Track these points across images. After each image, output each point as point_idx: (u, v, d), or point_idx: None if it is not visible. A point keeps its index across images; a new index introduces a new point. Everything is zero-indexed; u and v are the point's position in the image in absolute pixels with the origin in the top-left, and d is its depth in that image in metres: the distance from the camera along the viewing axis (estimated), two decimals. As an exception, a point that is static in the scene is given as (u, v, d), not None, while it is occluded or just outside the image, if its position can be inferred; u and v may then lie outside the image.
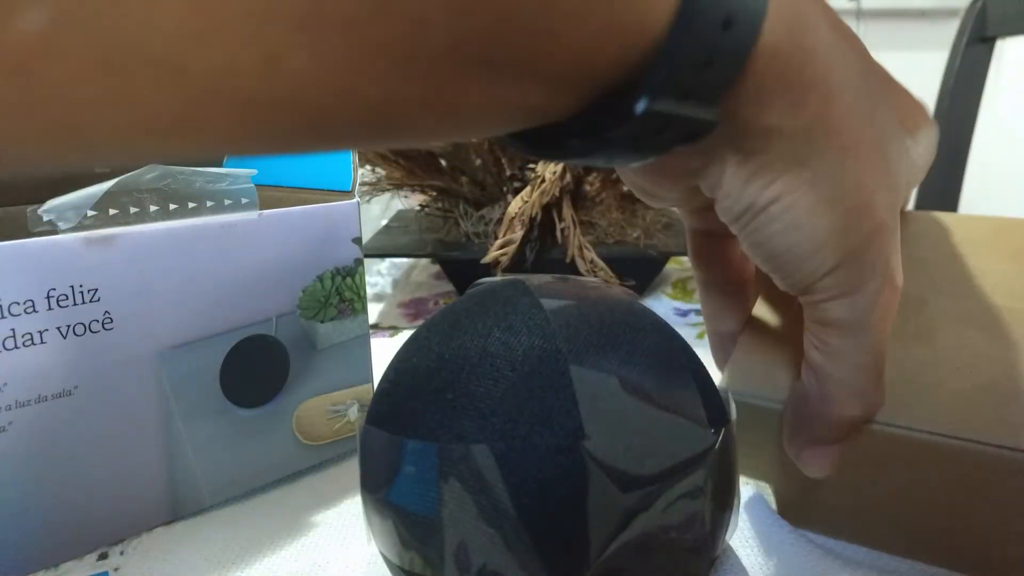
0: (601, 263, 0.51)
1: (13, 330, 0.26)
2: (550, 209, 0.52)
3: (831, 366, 0.23)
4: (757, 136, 0.19)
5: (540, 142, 0.18)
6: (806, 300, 0.22)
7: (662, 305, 0.63)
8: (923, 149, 0.24)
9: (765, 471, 0.29)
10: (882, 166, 0.20)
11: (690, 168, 0.21)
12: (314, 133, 0.14)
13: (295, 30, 0.12)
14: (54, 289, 0.26)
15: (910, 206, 0.30)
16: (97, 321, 0.28)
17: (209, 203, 0.31)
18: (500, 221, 0.52)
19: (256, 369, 0.33)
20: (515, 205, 0.50)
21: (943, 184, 1.05)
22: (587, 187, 0.58)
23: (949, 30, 1.06)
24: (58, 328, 0.27)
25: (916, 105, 0.25)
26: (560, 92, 0.16)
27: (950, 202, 1.07)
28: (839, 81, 0.19)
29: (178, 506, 0.31)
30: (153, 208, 0.29)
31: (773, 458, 0.27)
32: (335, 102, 0.13)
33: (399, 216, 0.75)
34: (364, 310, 0.37)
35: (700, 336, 0.55)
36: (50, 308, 0.26)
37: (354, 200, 0.35)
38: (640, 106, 0.16)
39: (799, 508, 0.29)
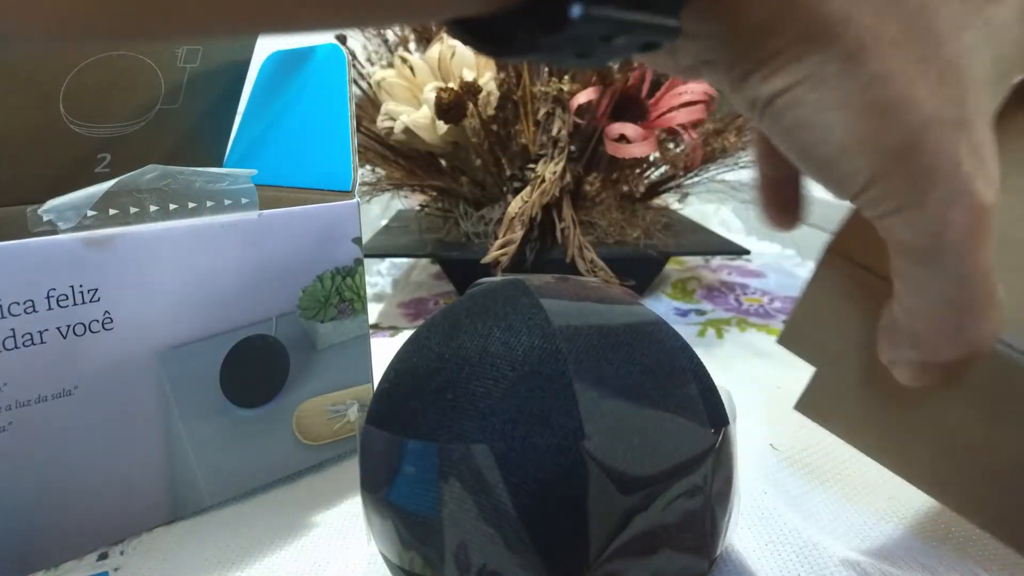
0: (601, 263, 0.51)
1: (13, 330, 0.26)
2: (550, 209, 0.52)
3: (912, 299, 0.19)
4: (742, 33, 0.16)
5: (485, 35, 0.16)
6: (865, 215, 0.18)
7: (662, 305, 0.63)
8: (1016, 10, 0.18)
9: (820, 343, 0.24)
10: (927, 46, 0.16)
11: (680, 66, 0.18)
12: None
13: None
14: (54, 289, 0.26)
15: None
16: (97, 321, 0.28)
17: (209, 203, 0.31)
18: (500, 221, 0.52)
19: (256, 369, 0.33)
20: (515, 205, 0.50)
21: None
22: (587, 187, 0.58)
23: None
24: (58, 328, 0.27)
25: None
26: None
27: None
28: None
29: (178, 506, 0.31)
30: (153, 208, 0.29)
31: (844, 334, 0.23)
32: None
33: (399, 216, 0.75)
34: (364, 310, 0.37)
35: (700, 335, 0.55)
36: (50, 308, 0.26)
37: (354, 200, 0.35)
38: (575, 10, 0.14)
39: (837, 402, 0.24)
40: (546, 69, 0.54)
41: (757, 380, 0.46)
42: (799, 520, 0.30)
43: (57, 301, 0.27)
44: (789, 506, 0.31)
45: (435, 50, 0.55)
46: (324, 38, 0.39)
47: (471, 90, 0.52)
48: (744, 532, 0.29)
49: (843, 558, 0.27)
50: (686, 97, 0.52)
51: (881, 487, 0.32)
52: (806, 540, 0.29)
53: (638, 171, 0.62)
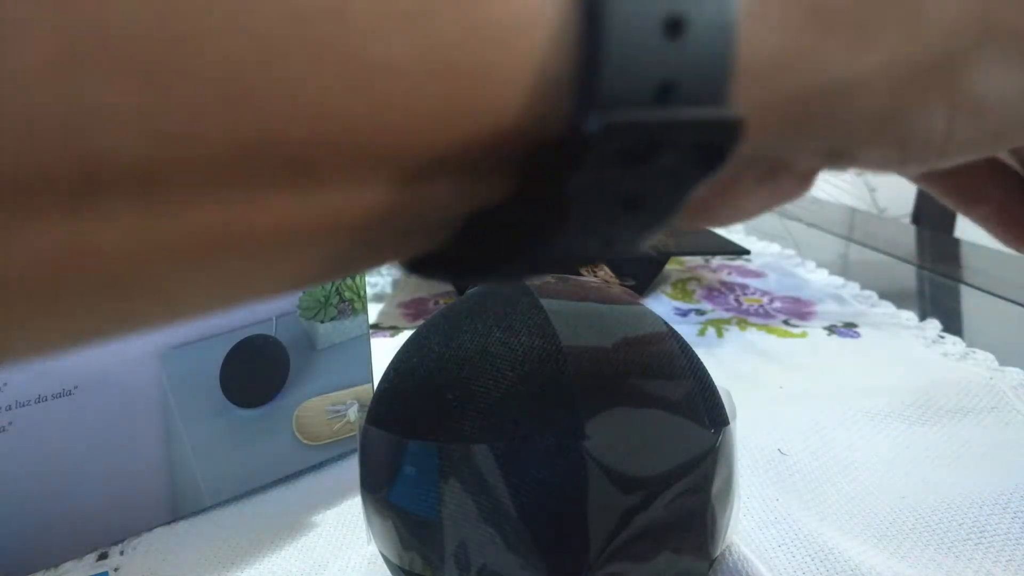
0: (601, 263, 0.51)
1: (13, 330, 0.26)
2: (550, 209, 0.52)
3: None
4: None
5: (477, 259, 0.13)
6: None
7: (662, 305, 0.63)
8: None
9: None
10: None
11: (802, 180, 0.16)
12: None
13: None
14: (54, 289, 0.26)
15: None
16: (97, 321, 0.28)
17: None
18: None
19: (256, 369, 0.33)
20: (515, 205, 0.50)
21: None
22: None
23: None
24: (58, 328, 0.27)
25: None
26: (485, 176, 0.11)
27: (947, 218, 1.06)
28: None
29: (178, 506, 0.31)
30: (153, 208, 0.29)
31: None
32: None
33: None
34: (364, 310, 0.37)
35: (701, 334, 0.55)
36: (50, 308, 0.26)
37: (354, 200, 0.35)
38: (593, 123, 0.10)
39: None
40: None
41: (757, 380, 0.46)
42: (812, 522, 0.30)
43: (57, 301, 0.27)
44: (801, 509, 0.31)
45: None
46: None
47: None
48: (757, 534, 0.29)
49: (857, 559, 0.27)
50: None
51: (894, 487, 0.32)
52: (820, 542, 0.28)
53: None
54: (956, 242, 0.89)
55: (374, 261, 0.13)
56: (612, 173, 0.11)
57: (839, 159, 0.15)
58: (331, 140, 0.09)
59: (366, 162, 0.10)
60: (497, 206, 0.12)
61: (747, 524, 0.30)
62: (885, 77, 0.13)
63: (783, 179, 0.15)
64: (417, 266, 0.13)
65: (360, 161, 0.10)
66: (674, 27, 0.10)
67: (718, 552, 0.24)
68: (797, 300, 0.65)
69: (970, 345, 0.50)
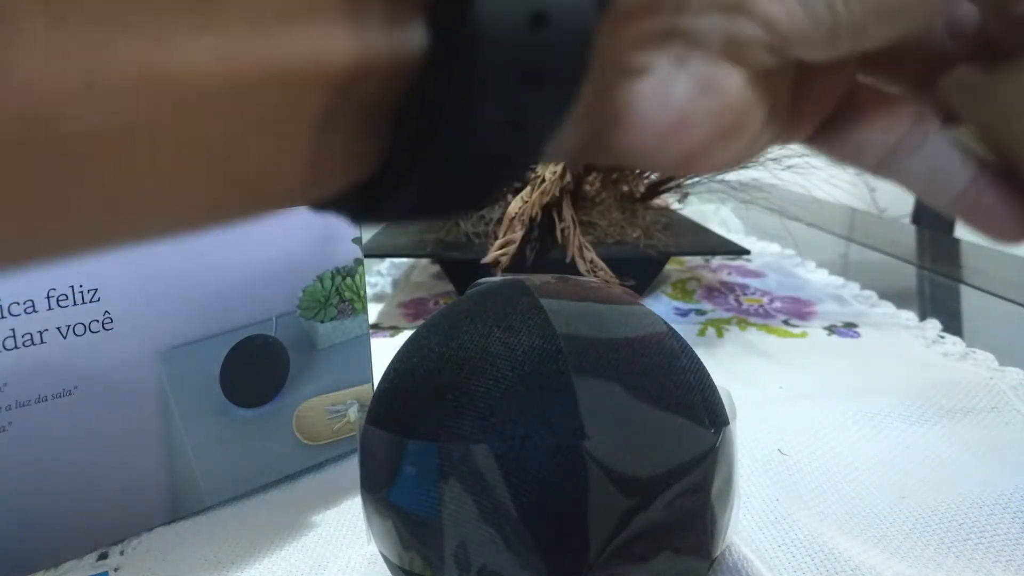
0: (601, 263, 0.51)
1: (13, 330, 0.26)
2: (550, 209, 0.52)
3: None
4: None
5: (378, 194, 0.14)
6: None
7: (662, 305, 0.63)
8: None
9: None
10: None
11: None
12: None
13: None
14: (54, 289, 0.26)
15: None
16: (97, 321, 0.28)
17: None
18: (500, 221, 0.52)
19: (256, 369, 0.33)
20: (515, 205, 0.50)
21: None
22: (587, 187, 0.58)
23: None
24: (58, 328, 0.27)
25: None
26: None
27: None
28: None
29: (178, 506, 0.31)
30: (153, 208, 0.29)
31: None
32: None
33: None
34: (364, 310, 0.37)
35: (701, 334, 0.55)
36: (50, 308, 0.26)
37: (354, 200, 0.35)
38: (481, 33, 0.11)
39: None
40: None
41: (757, 380, 0.46)
42: (812, 522, 0.30)
43: (57, 301, 0.27)
44: (801, 509, 0.31)
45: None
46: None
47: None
48: (756, 535, 0.29)
49: (858, 559, 0.27)
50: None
51: (893, 487, 0.32)
52: (820, 542, 0.28)
53: (638, 171, 0.62)
54: (956, 242, 0.89)
55: (330, 162, 0.13)
56: (497, 93, 0.12)
57: (732, 11, 0.14)
58: None
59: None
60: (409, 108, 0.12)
61: (747, 524, 0.30)
62: None
63: (697, 57, 0.15)
64: (361, 206, 0.14)
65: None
66: None
67: (718, 552, 0.24)
68: (797, 300, 0.65)
69: (970, 345, 0.50)
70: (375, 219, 0.14)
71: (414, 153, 0.13)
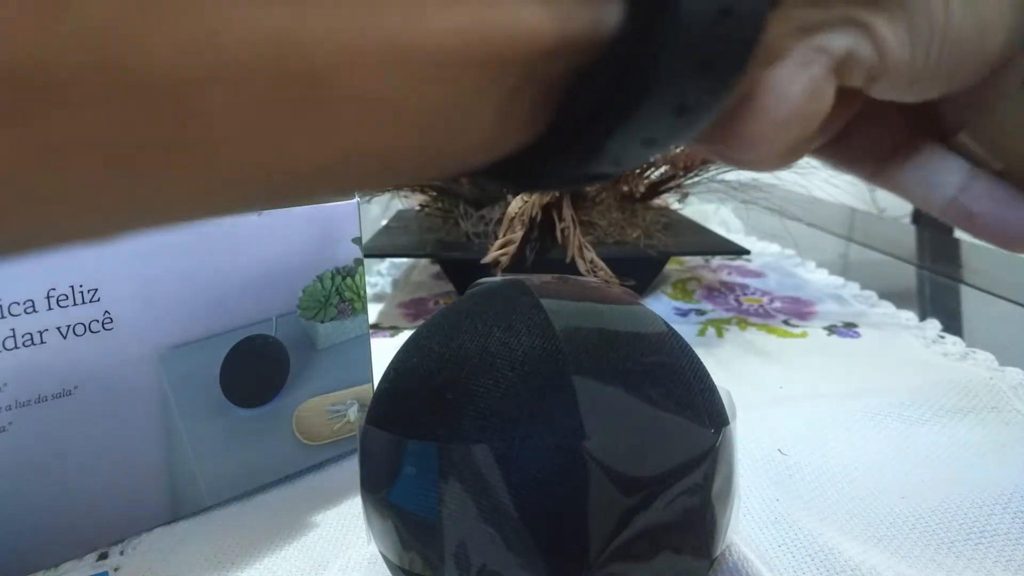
0: (601, 263, 0.51)
1: (13, 330, 0.26)
2: (550, 209, 0.52)
3: None
4: None
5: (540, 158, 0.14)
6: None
7: (662, 305, 0.63)
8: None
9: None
10: None
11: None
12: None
13: None
14: (54, 289, 0.26)
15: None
16: (97, 321, 0.28)
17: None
18: (500, 221, 0.52)
19: (256, 369, 0.33)
20: (515, 205, 0.50)
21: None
22: (587, 187, 0.58)
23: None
24: (58, 328, 0.27)
25: None
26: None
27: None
28: None
29: (178, 506, 0.31)
30: (153, 208, 0.29)
31: None
32: None
33: (399, 216, 0.75)
34: (364, 310, 0.37)
35: (701, 334, 0.55)
36: (50, 308, 0.26)
37: (354, 200, 0.35)
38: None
39: None
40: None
41: (757, 380, 0.46)
42: (812, 522, 0.30)
43: (57, 301, 0.27)
44: (801, 509, 0.31)
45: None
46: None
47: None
48: (756, 534, 0.29)
49: (858, 559, 0.27)
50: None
51: (894, 487, 0.32)
52: (820, 542, 0.28)
53: (638, 171, 0.62)
54: (956, 242, 0.89)
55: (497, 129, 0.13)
56: (676, 77, 0.13)
57: (860, 28, 0.15)
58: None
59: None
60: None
61: (747, 524, 0.30)
62: None
63: (818, 62, 0.16)
64: (504, 171, 0.15)
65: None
66: None
67: (718, 552, 0.24)
68: (797, 300, 0.65)
69: (970, 345, 0.50)
70: (531, 186, 0.15)
71: (581, 125, 0.13)
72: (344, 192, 0.13)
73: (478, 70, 0.12)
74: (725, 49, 0.13)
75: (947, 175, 0.19)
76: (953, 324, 0.56)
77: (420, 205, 0.69)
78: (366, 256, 0.45)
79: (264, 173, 0.11)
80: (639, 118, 0.13)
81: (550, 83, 0.13)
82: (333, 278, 0.35)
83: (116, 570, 0.28)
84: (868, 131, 0.20)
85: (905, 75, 0.16)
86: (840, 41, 0.16)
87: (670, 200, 0.70)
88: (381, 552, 0.24)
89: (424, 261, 0.77)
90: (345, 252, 0.35)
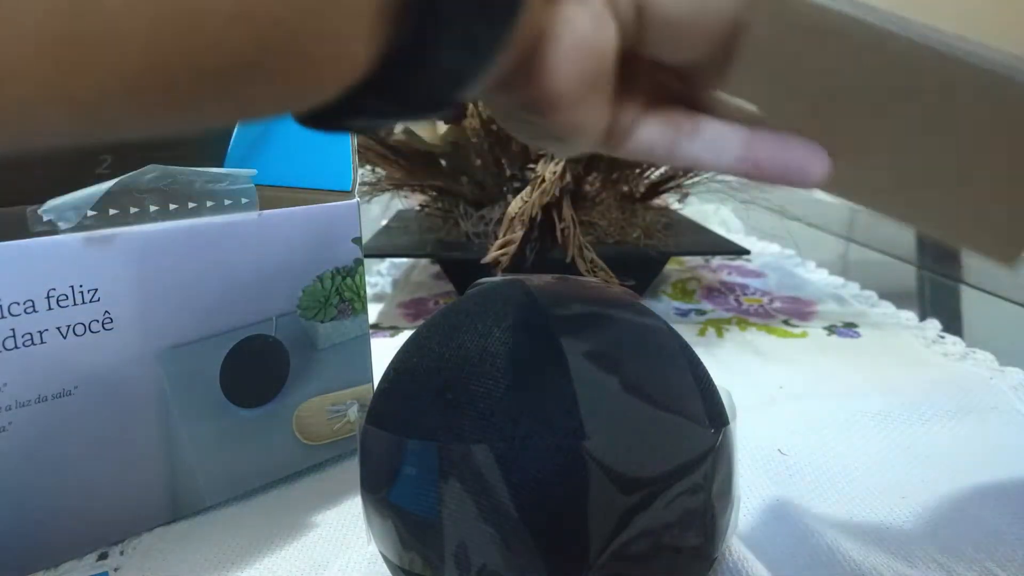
0: (601, 263, 0.51)
1: (13, 330, 0.26)
2: (550, 209, 0.52)
3: None
4: None
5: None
6: None
7: (662, 305, 0.63)
8: None
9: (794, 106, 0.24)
10: None
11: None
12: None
13: None
14: (54, 289, 0.26)
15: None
16: (97, 321, 0.28)
17: (209, 203, 0.31)
18: (500, 221, 0.52)
19: (256, 369, 0.33)
20: (515, 205, 0.50)
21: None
22: (587, 187, 0.58)
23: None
24: (58, 328, 0.27)
25: None
26: None
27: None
28: None
29: (178, 506, 0.31)
30: (153, 208, 0.29)
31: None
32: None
33: (399, 216, 0.75)
34: (364, 310, 0.37)
35: (701, 334, 0.55)
36: (50, 308, 0.26)
37: (354, 200, 0.35)
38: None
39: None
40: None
41: (757, 380, 0.46)
42: (813, 522, 0.30)
43: (57, 301, 0.27)
44: (802, 509, 0.31)
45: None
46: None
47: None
48: (757, 534, 0.29)
49: (858, 559, 0.27)
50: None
51: (894, 487, 0.32)
52: (821, 542, 0.28)
53: (638, 171, 0.62)
54: (956, 242, 0.89)
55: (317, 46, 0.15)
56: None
57: None
58: None
59: None
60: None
61: (747, 524, 0.30)
62: None
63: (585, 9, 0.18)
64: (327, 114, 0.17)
65: None
66: None
67: (718, 552, 0.24)
68: (797, 300, 0.65)
69: (970, 345, 0.50)
70: (359, 118, 0.17)
71: (397, 64, 0.16)
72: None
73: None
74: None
75: (729, 139, 0.22)
76: (953, 324, 0.56)
77: (420, 205, 0.69)
78: (366, 256, 0.45)
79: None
80: (439, 55, 0.16)
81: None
82: (333, 278, 0.35)
83: (116, 570, 0.28)
84: (652, 119, 0.22)
85: (663, 16, 0.19)
86: None
87: (670, 200, 0.70)
88: (381, 552, 0.24)
89: (424, 261, 0.77)
90: (345, 252, 0.35)
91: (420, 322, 0.42)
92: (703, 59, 0.21)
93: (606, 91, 0.20)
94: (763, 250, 0.84)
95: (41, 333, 0.26)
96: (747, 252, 0.59)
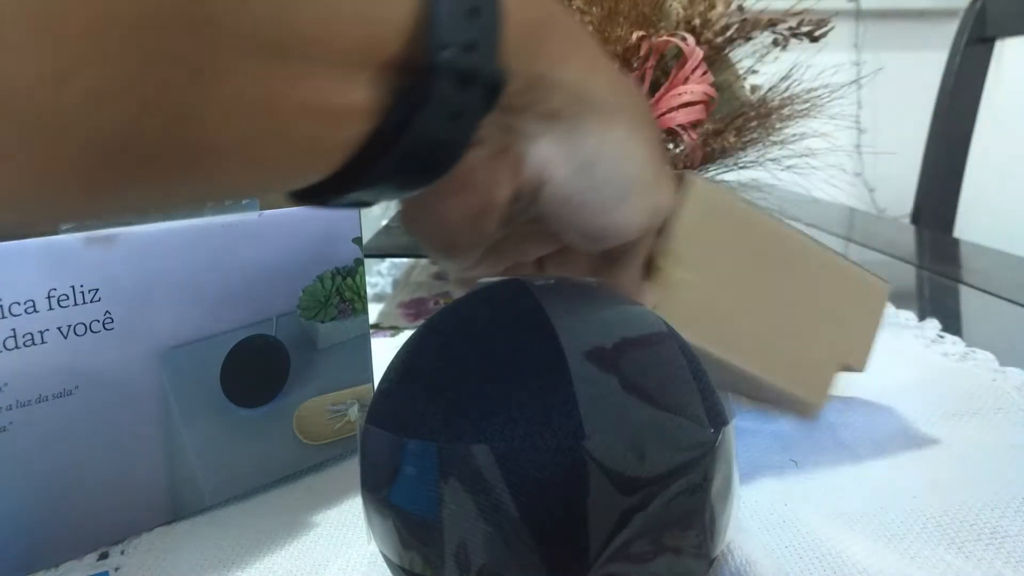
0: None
1: (14, 330, 0.26)
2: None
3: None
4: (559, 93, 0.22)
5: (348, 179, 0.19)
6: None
7: (662, 305, 0.63)
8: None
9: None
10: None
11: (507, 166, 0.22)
12: (115, 169, 0.13)
13: (83, 38, 0.11)
14: (55, 289, 0.26)
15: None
16: (97, 321, 0.28)
17: (209, 203, 0.31)
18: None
19: (256, 369, 0.33)
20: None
21: (943, 184, 1.05)
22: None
23: (949, 30, 1.06)
24: (58, 328, 0.27)
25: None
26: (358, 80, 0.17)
27: (949, 202, 1.06)
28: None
29: (178, 506, 0.31)
30: (153, 208, 0.29)
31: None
32: (134, 117, 0.12)
33: (399, 216, 0.75)
34: (364, 310, 0.37)
35: (700, 336, 0.55)
36: (51, 308, 0.26)
37: (354, 200, 0.35)
38: (441, 56, 0.17)
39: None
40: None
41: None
42: (821, 523, 0.30)
43: (58, 301, 0.27)
44: (809, 510, 0.31)
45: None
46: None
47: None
48: (764, 536, 0.29)
49: (866, 561, 0.27)
50: (686, 97, 0.52)
51: (906, 488, 0.32)
52: (828, 544, 0.28)
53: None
54: (956, 242, 0.89)
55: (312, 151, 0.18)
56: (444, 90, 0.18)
57: (530, 140, 0.22)
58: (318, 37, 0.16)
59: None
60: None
61: (754, 526, 0.30)
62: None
63: (510, 154, 0.22)
64: (313, 192, 0.19)
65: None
66: (473, 12, 0.18)
67: (718, 552, 0.24)
68: (797, 300, 0.64)
69: (970, 345, 0.50)
70: (357, 189, 0.19)
71: (389, 141, 0.18)
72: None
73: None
74: (480, 68, 0.18)
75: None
76: (952, 324, 0.56)
77: (420, 205, 0.69)
78: (366, 256, 0.45)
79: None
80: (428, 126, 0.18)
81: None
82: (333, 278, 0.35)
83: (117, 570, 0.28)
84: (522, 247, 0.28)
85: (560, 194, 0.23)
86: (524, 145, 0.22)
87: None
88: (381, 552, 0.24)
89: (424, 261, 0.77)
90: (345, 252, 0.35)
91: (420, 322, 0.42)
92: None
93: (490, 230, 0.24)
94: (763, 250, 0.83)
95: (42, 333, 0.26)
96: (747, 252, 0.59)
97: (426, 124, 0.18)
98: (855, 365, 0.34)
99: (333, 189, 0.19)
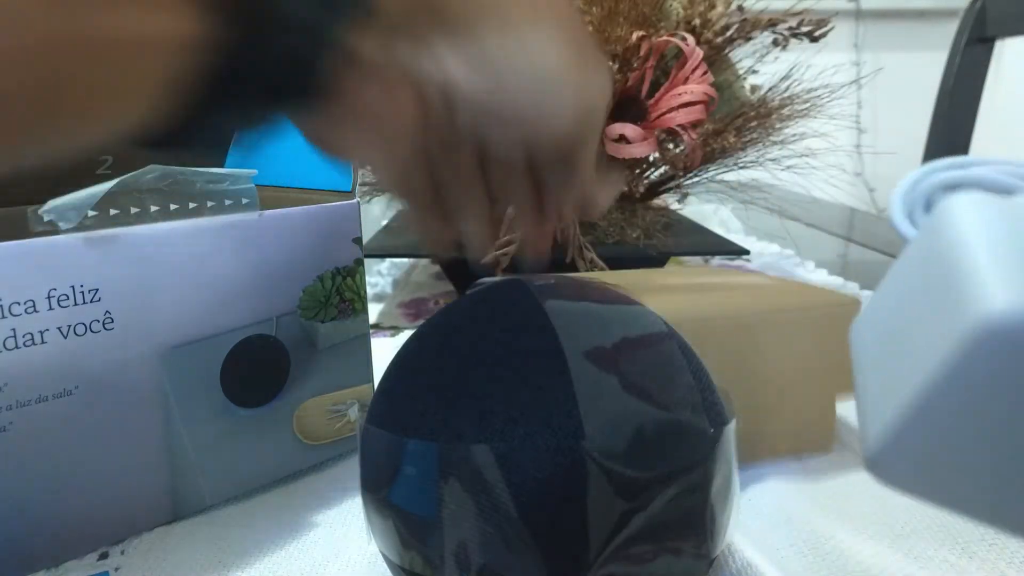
0: (601, 263, 0.51)
1: (14, 330, 0.26)
2: (550, 209, 0.52)
3: None
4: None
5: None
6: None
7: (662, 305, 0.63)
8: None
9: None
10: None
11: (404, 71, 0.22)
12: None
13: None
14: (55, 289, 0.26)
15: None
16: (97, 321, 0.28)
17: (209, 203, 0.31)
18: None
19: (256, 369, 0.33)
20: (515, 205, 0.50)
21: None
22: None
23: (949, 30, 1.06)
24: (59, 328, 0.27)
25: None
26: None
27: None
28: None
29: (178, 506, 0.31)
30: (154, 208, 0.29)
31: None
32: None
33: (399, 216, 0.75)
34: (364, 310, 0.37)
35: (700, 336, 0.55)
36: (51, 308, 0.26)
37: (354, 200, 0.35)
38: None
39: None
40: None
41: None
42: (824, 523, 0.30)
43: (58, 301, 0.27)
44: (812, 509, 0.31)
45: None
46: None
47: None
48: (768, 535, 0.29)
49: (869, 561, 0.27)
50: (686, 97, 0.52)
51: None
52: (831, 544, 0.28)
53: (638, 171, 0.62)
54: (956, 242, 0.89)
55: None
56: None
57: (429, 50, 0.22)
58: None
59: None
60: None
61: (757, 525, 0.30)
62: None
63: (408, 75, 0.22)
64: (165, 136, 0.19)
65: None
66: None
67: (717, 552, 0.24)
68: (797, 300, 0.64)
69: (970, 345, 0.50)
70: (208, 116, 0.19)
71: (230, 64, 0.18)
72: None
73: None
74: (300, 67, 0.19)
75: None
76: (953, 324, 0.56)
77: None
78: (366, 256, 0.45)
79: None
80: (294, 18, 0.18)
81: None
82: (334, 278, 0.35)
83: (117, 570, 0.28)
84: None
85: (469, 103, 0.23)
86: (417, 59, 0.22)
87: (670, 200, 0.70)
88: (381, 552, 0.24)
89: (424, 261, 0.77)
90: (345, 252, 0.35)
91: (420, 322, 0.42)
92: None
93: (399, 149, 0.24)
94: (763, 250, 0.84)
95: (42, 333, 0.26)
96: (747, 252, 0.59)
97: (263, 44, 0.18)
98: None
99: (188, 121, 0.19)
